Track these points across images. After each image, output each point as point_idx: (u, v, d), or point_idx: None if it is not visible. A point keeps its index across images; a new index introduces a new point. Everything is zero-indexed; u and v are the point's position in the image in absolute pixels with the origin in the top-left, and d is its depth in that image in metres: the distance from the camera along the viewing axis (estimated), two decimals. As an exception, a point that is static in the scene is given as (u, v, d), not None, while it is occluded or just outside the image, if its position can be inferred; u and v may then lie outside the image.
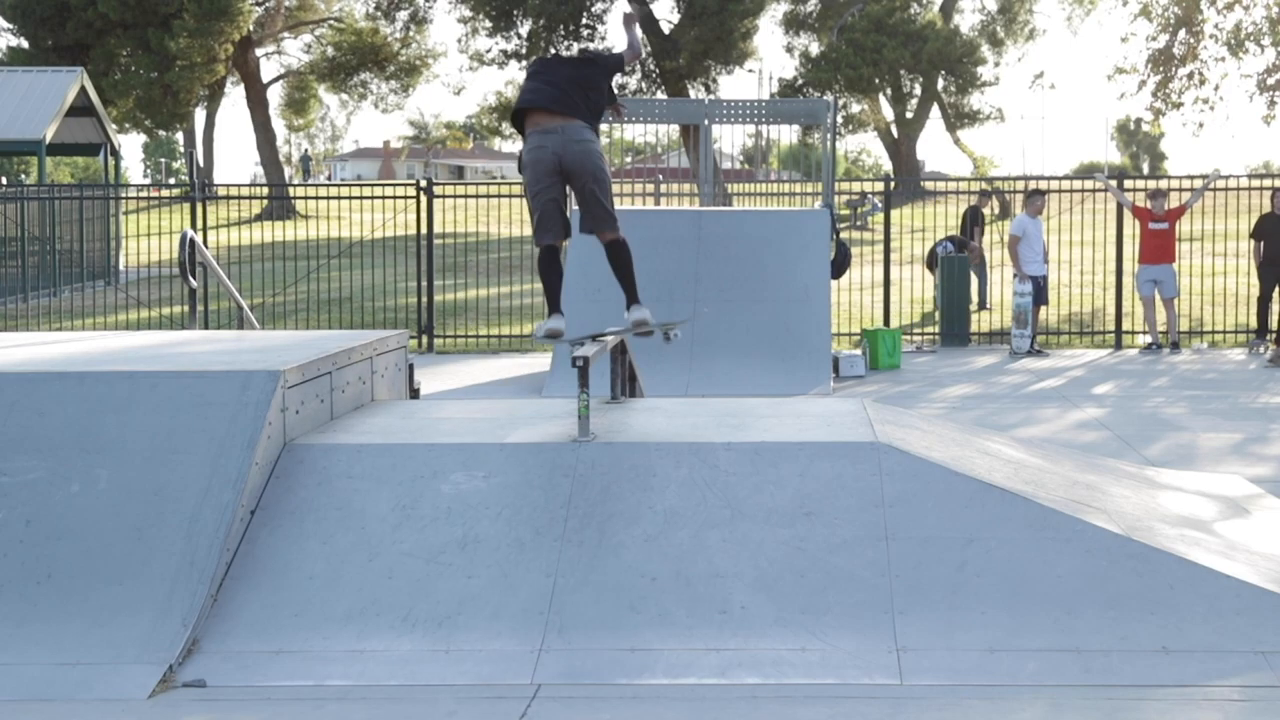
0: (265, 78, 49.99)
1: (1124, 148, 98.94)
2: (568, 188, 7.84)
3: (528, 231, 8.45)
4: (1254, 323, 18.00)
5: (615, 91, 8.13)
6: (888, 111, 48.38)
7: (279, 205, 36.40)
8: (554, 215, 7.72)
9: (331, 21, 49.89)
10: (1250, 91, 30.92)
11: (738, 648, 5.59)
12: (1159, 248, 17.55)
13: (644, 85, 44.10)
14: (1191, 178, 20.41)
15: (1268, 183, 21.12)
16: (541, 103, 7.67)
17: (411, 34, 48.49)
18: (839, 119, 39.04)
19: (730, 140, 60.39)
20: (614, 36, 43.18)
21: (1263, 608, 5.72)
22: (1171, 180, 20.81)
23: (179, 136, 62.68)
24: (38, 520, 6.01)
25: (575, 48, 43.35)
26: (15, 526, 5.98)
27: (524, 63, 43.69)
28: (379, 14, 48.15)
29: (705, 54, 42.78)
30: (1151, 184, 19.67)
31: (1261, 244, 17.27)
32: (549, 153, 7.61)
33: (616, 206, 7.94)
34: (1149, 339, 17.74)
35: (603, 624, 5.72)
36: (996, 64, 47.86)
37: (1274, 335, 17.02)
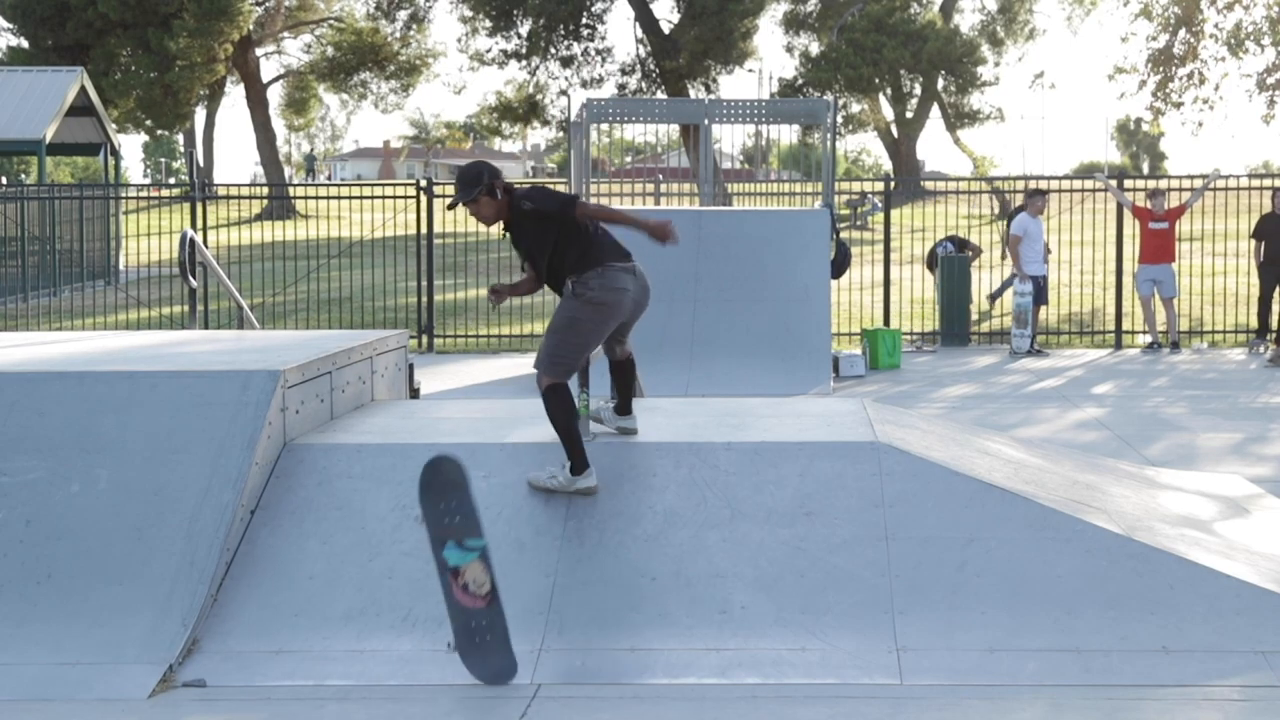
0: (265, 78, 49.99)
1: (1124, 148, 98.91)
2: None
3: None
4: (1254, 323, 17.98)
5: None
6: (888, 111, 48.37)
7: (279, 205, 36.39)
8: (585, 359, 6.79)
9: (331, 21, 49.88)
10: (1250, 91, 30.91)
11: (738, 648, 5.59)
12: (1159, 248, 17.55)
13: (644, 85, 44.09)
14: (1191, 177, 20.40)
15: (1267, 182, 21.12)
16: (618, 247, 6.66)
17: (411, 34, 48.49)
18: (839, 119, 39.04)
19: (730, 140, 60.41)
20: (613, 36, 43.13)
21: (1263, 608, 5.72)
22: (1171, 180, 20.80)
23: (179, 136, 62.67)
24: (38, 520, 6.01)
25: (576, 46, 43.32)
26: (15, 526, 5.98)
27: (524, 63, 43.66)
28: (379, 14, 48.15)
29: (705, 54, 42.75)
30: (1151, 184, 19.66)
31: (1262, 244, 17.26)
32: (630, 298, 6.60)
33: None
34: (1149, 339, 17.74)
35: (603, 624, 5.72)
36: (996, 64, 47.85)
37: (1275, 335, 17.02)
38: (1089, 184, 22.78)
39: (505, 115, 46.20)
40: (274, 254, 21.68)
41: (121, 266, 27.15)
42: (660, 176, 24.48)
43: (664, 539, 6.11)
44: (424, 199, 18.48)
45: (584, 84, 43.48)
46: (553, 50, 43.40)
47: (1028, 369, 15.97)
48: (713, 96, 42.96)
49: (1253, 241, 17.67)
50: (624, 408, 6.91)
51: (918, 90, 46.00)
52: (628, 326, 6.82)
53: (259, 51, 49.04)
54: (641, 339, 8.78)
